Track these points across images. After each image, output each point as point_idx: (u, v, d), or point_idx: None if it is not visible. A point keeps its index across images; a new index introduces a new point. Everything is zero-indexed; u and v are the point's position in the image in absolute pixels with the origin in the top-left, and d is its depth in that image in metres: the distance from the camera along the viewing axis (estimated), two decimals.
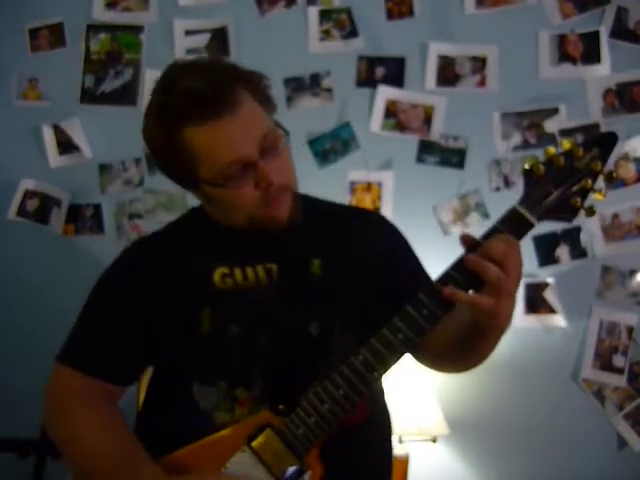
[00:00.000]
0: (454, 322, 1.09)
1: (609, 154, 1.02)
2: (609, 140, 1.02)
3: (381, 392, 1.30)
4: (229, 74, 1.13)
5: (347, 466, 1.15)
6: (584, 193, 1.01)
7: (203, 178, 1.15)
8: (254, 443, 1.10)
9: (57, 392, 1.22)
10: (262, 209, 1.15)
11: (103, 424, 1.17)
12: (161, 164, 1.20)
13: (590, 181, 1.01)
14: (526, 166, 1.03)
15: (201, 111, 1.09)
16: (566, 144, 1.02)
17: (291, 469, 1.09)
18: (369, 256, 1.23)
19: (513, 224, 1.01)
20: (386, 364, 1.05)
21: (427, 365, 1.29)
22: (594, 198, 1.02)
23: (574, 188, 1.01)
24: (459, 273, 1.01)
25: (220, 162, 1.11)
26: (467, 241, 1.02)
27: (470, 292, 1.01)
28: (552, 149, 1.03)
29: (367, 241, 1.26)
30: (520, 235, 1.01)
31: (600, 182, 1.02)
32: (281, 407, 1.10)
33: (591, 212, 1.02)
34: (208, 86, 1.09)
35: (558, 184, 1.01)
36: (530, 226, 1.01)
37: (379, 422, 1.26)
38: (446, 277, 1.02)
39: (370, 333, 1.06)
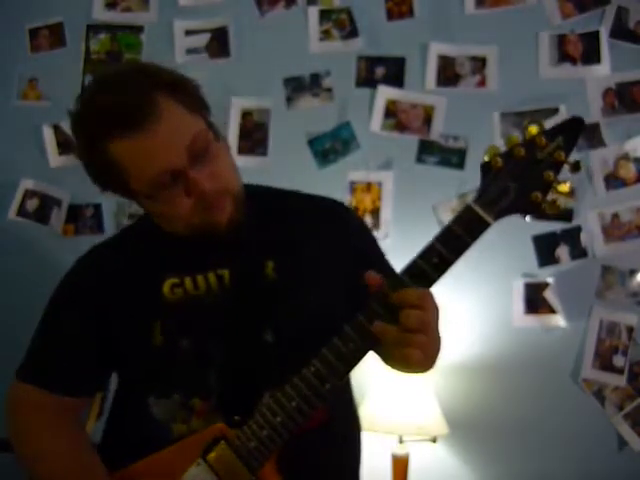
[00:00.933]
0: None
1: (574, 142, 0.93)
2: (574, 127, 0.94)
3: (344, 394, 1.27)
4: (149, 83, 1.07)
5: (307, 472, 1.13)
6: (545, 187, 0.94)
7: (135, 190, 1.12)
8: (209, 456, 1.08)
9: (18, 409, 1.23)
10: (200, 216, 1.10)
11: (61, 441, 1.17)
12: (94, 179, 1.16)
13: (552, 173, 0.93)
14: (485, 158, 0.95)
15: (121, 125, 1.05)
16: (531, 130, 0.94)
17: None
18: (328, 253, 1.19)
19: (468, 224, 0.95)
20: (338, 375, 1.01)
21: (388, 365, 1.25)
22: (560, 190, 0.94)
23: (534, 182, 0.94)
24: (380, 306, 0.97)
25: (147, 174, 1.08)
26: (376, 284, 0.98)
27: None
28: (514, 137, 0.95)
29: (326, 237, 1.21)
30: (476, 235, 0.95)
31: (567, 173, 0.94)
32: (236, 418, 1.08)
33: (554, 207, 0.95)
34: (126, 100, 1.04)
35: (517, 177, 0.94)
36: (486, 226, 0.95)
37: (340, 425, 1.22)
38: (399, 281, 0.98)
39: (334, 334, 1.02)
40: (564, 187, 0.94)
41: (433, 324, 1.00)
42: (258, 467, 1.06)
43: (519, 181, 0.94)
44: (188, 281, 1.17)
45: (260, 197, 1.22)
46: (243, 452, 1.06)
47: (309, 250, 1.19)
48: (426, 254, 0.97)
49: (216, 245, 1.14)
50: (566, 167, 0.94)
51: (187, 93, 1.11)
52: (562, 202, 0.96)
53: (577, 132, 0.94)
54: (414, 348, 0.97)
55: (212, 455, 1.08)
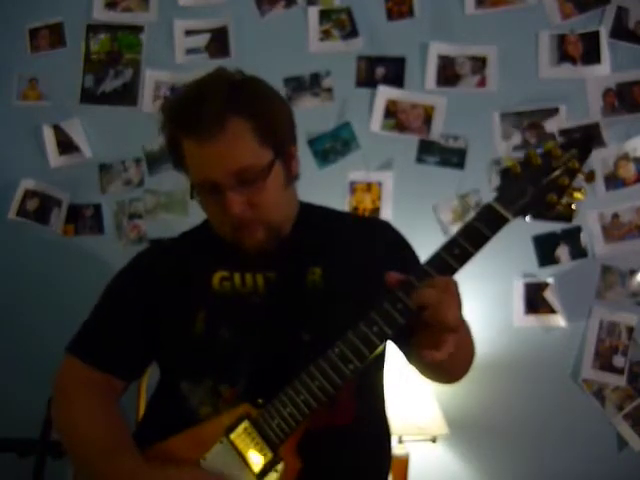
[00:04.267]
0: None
1: (588, 153, 1.05)
2: (588, 140, 1.08)
3: (375, 398, 1.31)
4: (230, 104, 1.15)
5: (328, 466, 1.17)
6: (561, 190, 1.04)
7: (192, 182, 1.22)
8: (232, 434, 1.13)
9: (63, 380, 1.30)
10: (230, 231, 1.20)
11: (98, 414, 1.23)
12: (173, 161, 1.26)
13: (567, 179, 1.04)
14: (504, 165, 1.07)
15: (187, 128, 1.16)
16: (548, 143, 1.05)
17: None
18: (373, 265, 1.23)
19: (488, 220, 1.04)
20: (362, 357, 1.06)
21: (422, 375, 1.30)
22: (575, 197, 1.05)
23: (549, 185, 1.04)
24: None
25: (196, 176, 1.20)
26: (396, 282, 1.04)
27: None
28: (532, 150, 1.06)
29: (371, 250, 1.27)
30: (495, 230, 1.04)
31: (582, 182, 1.05)
32: (260, 400, 1.13)
33: (569, 210, 1.05)
34: (200, 110, 1.14)
35: (534, 181, 1.04)
36: (505, 221, 1.04)
37: (367, 429, 1.25)
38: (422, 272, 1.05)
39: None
40: (578, 195, 1.05)
41: (457, 305, 1.04)
42: (279, 444, 1.11)
43: (536, 184, 1.05)
44: (237, 277, 1.25)
45: (312, 212, 1.33)
46: (265, 429, 1.11)
47: (354, 262, 1.25)
48: (448, 247, 1.05)
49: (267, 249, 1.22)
50: (581, 177, 1.05)
51: (266, 126, 1.17)
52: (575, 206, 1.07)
53: (590, 145, 1.06)
54: (446, 329, 1.01)
55: (235, 433, 1.13)
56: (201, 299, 1.24)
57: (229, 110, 1.14)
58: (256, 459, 1.11)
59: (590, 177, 1.05)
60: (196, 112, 1.14)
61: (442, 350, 1.01)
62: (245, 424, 1.12)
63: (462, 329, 1.10)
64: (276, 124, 1.19)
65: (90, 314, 1.33)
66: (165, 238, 1.41)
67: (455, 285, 1.04)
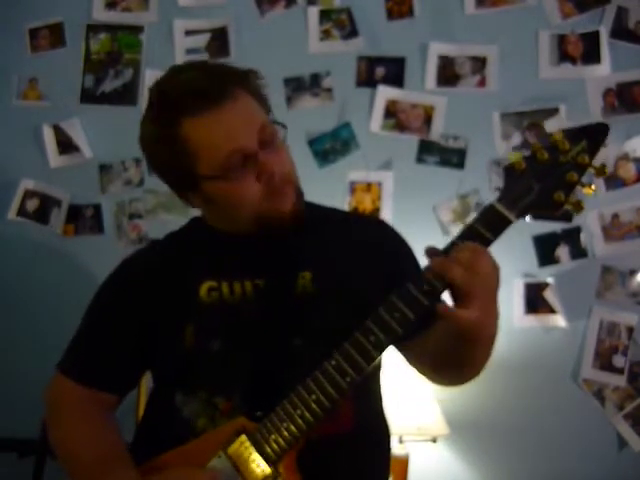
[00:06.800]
0: (439, 332, 1.06)
1: (599, 147, 0.96)
2: (599, 132, 0.96)
3: (374, 400, 1.28)
4: (226, 72, 1.14)
5: (329, 476, 1.14)
6: (569, 187, 0.96)
7: (202, 174, 1.12)
8: (229, 449, 1.10)
9: (54, 398, 1.27)
10: (266, 203, 1.12)
11: (92, 433, 1.21)
12: (158, 166, 1.19)
13: (576, 175, 0.95)
14: (508, 161, 0.99)
15: (200, 101, 1.09)
16: (555, 135, 0.97)
17: None
18: (363, 265, 1.20)
19: (490, 222, 0.97)
20: (359, 369, 1.02)
21: (427, 377, 1.26)
22: (584, 193, 0.97)
23: (557, 182, 0.96)
24: (427, 283, 0.98)
25: (220, 152, 1.10)
26: (432, 253, 0.99)
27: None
28: (537, 143, 0.98)
29: (363, 250, 1.23)
30: (497, 233, 0.97)
31: (592, 176, 0.97)
32: (258, 413, 1.10)
33: (578, 207, 0.97)
34: (207, 78, 1.11)
35: (540, 179, 0.97)
36: (508, 223, 0.97)
37: (368, 434, 1.22)
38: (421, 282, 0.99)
39: None
40: (589, 190, 0.97)
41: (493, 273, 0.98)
42: (277, 460, 1.08)
43: (542, 182, 0.97)
44: (225, 286, 1.19)
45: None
46: (263, 445, 1.08)
47: (346, 262, 1.20)
48: (447, 251, 0.98)
49: (254, 254, 1.18)
50: (592, 171, 0.96)
51: (257, 88, 1.17)
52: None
53: (602, 137, 0.96)
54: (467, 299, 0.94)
55: (232, 448, 1.10)
56: (189, 312, 1.19)
57: (230, 83, 1.12)
58: (254, 475, 1.08)
59: (601, 171, 0.96)
60: (207, 82, 1.10)
61: (470, 309, 0.93)
62: (242, 438, 1.09)
63: (494, 305, 1.00)
64: (260, 88, 1.18)
65: (78, 329, 1.28)
66: (149, 243, 1.36)
67: (486, 252, 0.97)
